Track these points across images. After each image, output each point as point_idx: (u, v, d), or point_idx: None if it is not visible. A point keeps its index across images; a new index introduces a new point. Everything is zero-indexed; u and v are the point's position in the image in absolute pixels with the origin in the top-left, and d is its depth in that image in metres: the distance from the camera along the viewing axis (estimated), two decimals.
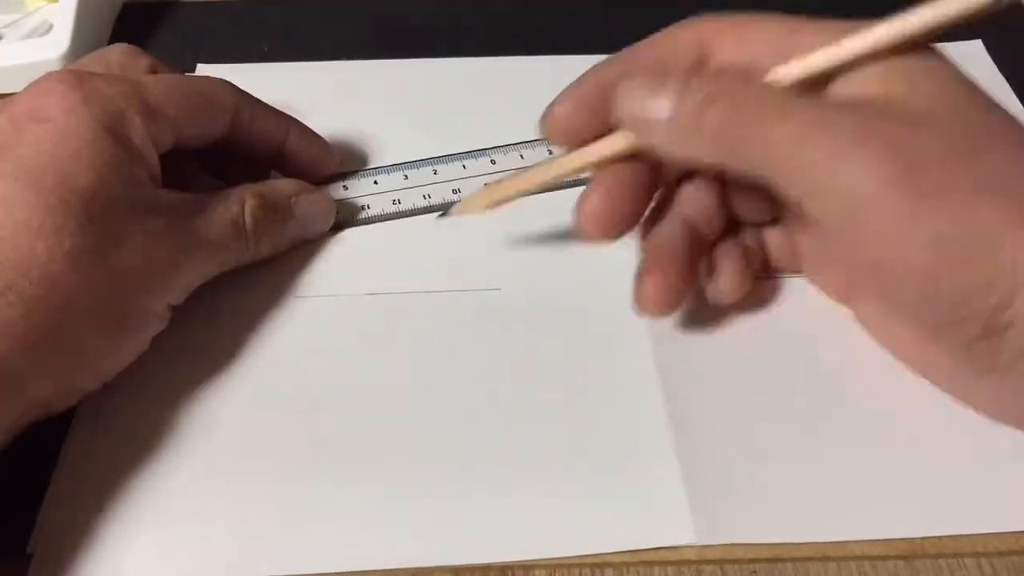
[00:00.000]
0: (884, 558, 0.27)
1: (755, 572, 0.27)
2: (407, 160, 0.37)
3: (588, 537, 0.27)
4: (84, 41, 0.41)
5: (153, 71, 0.33)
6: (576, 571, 0.27)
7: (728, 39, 0.29)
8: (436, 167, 0.37)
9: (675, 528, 0.27)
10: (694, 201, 0.31)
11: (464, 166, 0.37)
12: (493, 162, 0.37)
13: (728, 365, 0.31)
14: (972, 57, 0.42)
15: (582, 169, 0.30)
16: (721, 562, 0.27)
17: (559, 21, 0.45)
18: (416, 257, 0.34)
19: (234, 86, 0.33)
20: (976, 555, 0.27)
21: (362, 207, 0.36)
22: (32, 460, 0.28)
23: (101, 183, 0.27)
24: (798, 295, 0.33)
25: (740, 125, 0.26)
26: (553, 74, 0.41)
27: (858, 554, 0.27)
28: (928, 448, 0.29)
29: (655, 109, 0.27)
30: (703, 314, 0.32)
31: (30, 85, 0.29)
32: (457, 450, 0.29)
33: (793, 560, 0.27)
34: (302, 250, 0.34)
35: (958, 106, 0.26)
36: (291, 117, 0.35)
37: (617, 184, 0.29)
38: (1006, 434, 0.29)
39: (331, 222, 0.35)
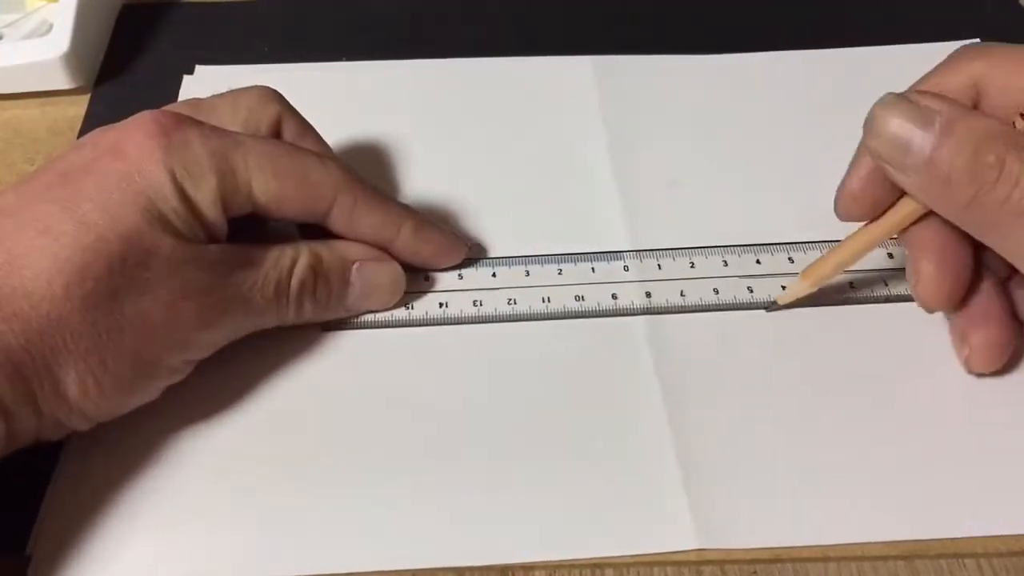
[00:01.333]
0: (884, 558, 0.27)
1: (755, 572, 0.27)
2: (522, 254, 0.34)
3: (588, 541, 0.27)
4: (84, 41, 0.41)
5: (279, 119, 0.31)
6: (576, 571, 0.27)
7: (1002, 74, 0.27)
8: (562, 266, 0.34)
9: (676, 532, 0.27)
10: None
11: (593, 269, 0.34)
12: (626, 269, 0.34)
13: (728, 369, 0.31)
14: None
15: (889, 234, 0.29)
16: (721, 563, 0.27)
17: (560, 21, 0.45)
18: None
19: (344, 172, 0.30)
20: (976, 556, 0.27)
21: (474, 303, 0.33)
22: (32, 462, 0.28)
23: (147, 230, 0.26)
24: (798, 304, 0.33)
25: (992, 214, 0.25)
26: (558, 74, 0.41)
27: (858, 555, 0.27)
28: (928, 451, 0.29)
29: (908, 152, 0.26)
30: (702, 318, 0.32)
31: (134, 116, 0.28)
32: (457, 453, 0.29)
33: (793, 561, 0.27)
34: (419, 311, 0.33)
35: None
36: (408, 212, 0.32)
37: (943, 246, 0.28)
38: (1007, 436, 0.29)
39: (397, 297, 0.32)
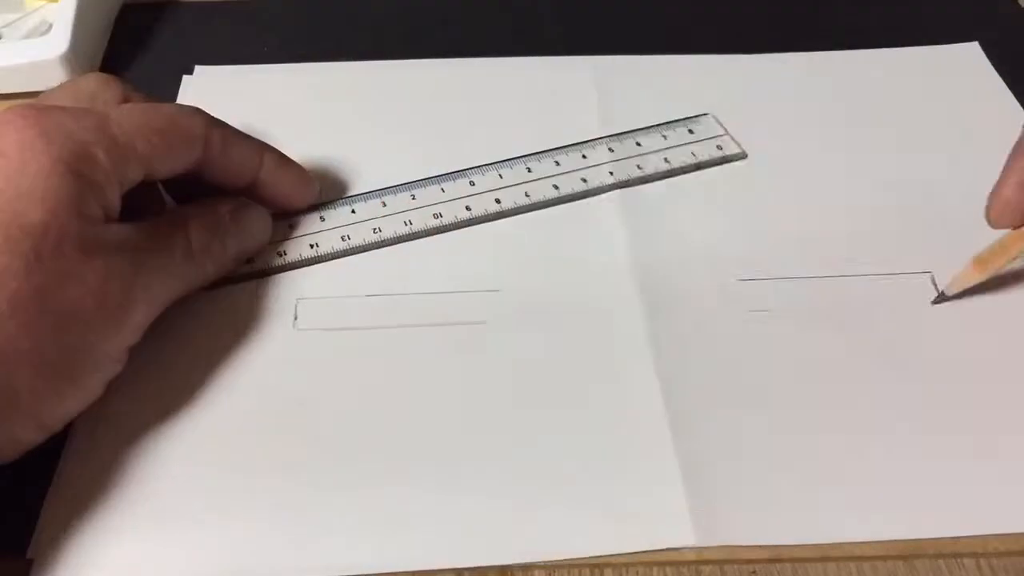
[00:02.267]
0: (883, 558, 0.27)
1: (754, 572, 0.27)
2: (386, 185, 0.36)
3: (588, 539, 0.27)
4: (84, 41, 0.41)
5: (126, 99, 0.31)
6: (575, 571, 0.27)
7: None
8: (414, 191, 0.36)
9: (675, 530, 0.27)
10: None
11: (443, 189, 0.36)
12: (472, 183, 0.36)
13: (727, 367, 0.31)
14: (969, 59, 0.42)
15: None
16: (720, 563, 0.27)
17: (559, 22, 0.45)
18: (415, 261, 0.34)
19: (206, 114, 0.31)
20: (975, 555, 0.27)
21: (342, 238, 0.35)
22: (32, 464, 0.28)
23: (54, 221, 0.26)
24: (797, 298, 0.33)
25: None
26: (556, 75, 0.41)
27: (857, 554, 0.27)
28: (926, 449, 0.29)
29: None
30: (702, 317, 0.32)
31: None
32: (456, 453, 0.29)
33: (792, 560, 0.27)
34: (293, 254, 0.34)
35: None
36: (267, 146, 0.33)
37: None
38: (1005, 436, 0.29)
39: (268, 236, 0.34)
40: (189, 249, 0.30)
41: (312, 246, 0.34)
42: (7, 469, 0.26)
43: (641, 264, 0.34)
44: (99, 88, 0.31)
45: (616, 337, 0.32)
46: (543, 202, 0.36)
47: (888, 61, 0.42)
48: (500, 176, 0.36)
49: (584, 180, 0.36)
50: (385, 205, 0.36)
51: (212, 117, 0.32)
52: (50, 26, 0.41)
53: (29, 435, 0.26)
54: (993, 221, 0.30)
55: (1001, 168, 0.30)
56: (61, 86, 0.32)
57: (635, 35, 0.44)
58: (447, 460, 0.29)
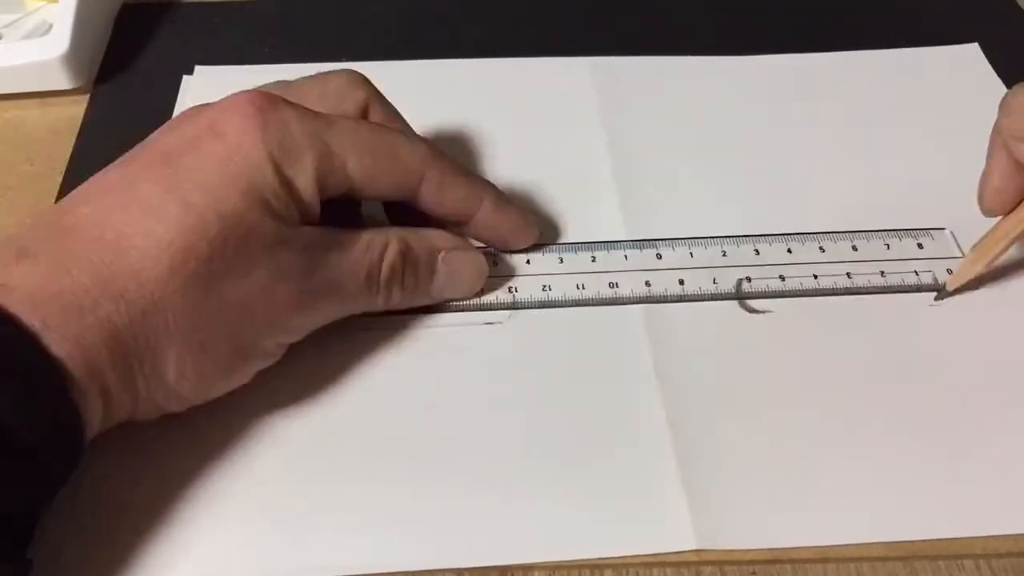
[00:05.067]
0: (883, 559, 0.27)
1: (754, 573, 0.27)
2: (596, 240, 0.35)
3: (588, 541, 0.27)
4: (84, 41, 0.41)
5: (366, 104, 0.31)
6: (575, 572, 0.27)
7: None
8: (627, 252, 0.34)
9: (676, 534, 0.27)
10: None
11: (659, 255, 0.34)
12: (659, 256, 0.34)
13: (727, 371, 0.31)
14: (968, 60, 0.42)
15: None
16: (720, 563, 0.27)
17: (559, 22, 0.45)
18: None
19: (431, 149, 0.31)
20: (975, 556, 0.27)
21: (543, 287, 0.33)
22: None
23: (247, 211, 0.26)
24: (798, 301, 0.33)
25: None
26: (556, 75, 0.41)
27: (857, 555, 0.27)
28: (926, 452, 0.29)
29: None
30: (702, 320, 0.32)
31: (227, 97, 0.28)
32: (456, 454, 0.29)
33: (792, 561, 0.27)
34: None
35: None
36: (488, 186, 0.33)
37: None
38: (1004, 437, 0.29)
39: (478, 287, 0.32)
40: (376, 274, 0.30)
41: (511, 290, 0.33)
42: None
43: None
44: (347, 89, 0.31)
45: (617, 340, 0.32)
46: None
47: (887, 62, 0.42)
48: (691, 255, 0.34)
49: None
50: (595, 260, 0.34)
51: (437, 152, 0.31)
52: (50, 26, 0.41)
53: (171, 406, 0.27)
54: (986, 210, 0.31)
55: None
56: (312, 78, 0.32)
57: (635, 35, 0.44)
58: (447, 462, 0.29)
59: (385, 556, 0.27)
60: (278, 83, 0.31)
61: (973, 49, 0.43)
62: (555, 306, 0.33)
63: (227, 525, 0.27)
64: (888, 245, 0.34)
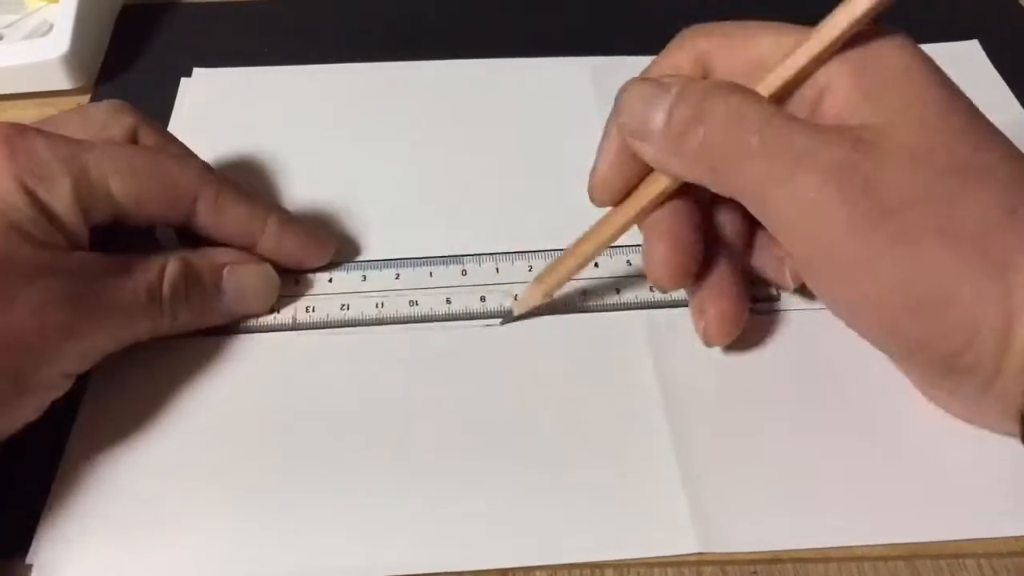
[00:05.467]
0: (885, 559, 0.27)
1: (755, 573, 0.27)
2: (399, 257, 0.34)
3: (589, 545, 0.27)
4: (84, 42, 0.41)
5: (134, 130, 0.31)
6: (576, 571, 0.27)
7: (724, 51, 0.29)
8: (432, 269, 0.34)
9: (676, 536, 0.27)
10: (729, 224, 0.31)
11: (464, 272, 0.34)
12: (464, 272, 0.34)
13: (728, 373, 0.31)
14: (969, 57, 0.42)
15: (630, 224, 0.30)
16: (721, 563, 0.27)
17: (558, 23, 0.45)
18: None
19: (205, 170, 0.31)
20: (976, 556, 0.27)
21: (341, 306, 0.33)
22: (32, 469, 0.28)
23: (3, 241, 0.26)
24: (797, 305, 0.33)
25: (719, 150, 0.26)
26: (555, 76, 0.41)
27: (859, 555, 0.27)
28: (927, 454, 0.29)
29: (650, 119, 0.27)
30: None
31: None
32: (456, 457, 0.29)
33: (793, 561, 0.27)
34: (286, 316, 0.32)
35: (940, 136, 0.25)
36: (273, 208, 0.32)
37: (674, 227, 0.29)
38: (1004, 440, 0.29)
39: (270, 302, 0.32)
40: (157, 293, 0.29)
41: (308, 309, 0.32)
42: (7, 474, 0.26)
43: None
44: (109, 117, 0.31)
45: (617, 344, 0.32)
46: None
47: None
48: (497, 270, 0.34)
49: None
50: (399, 278, 0.33)
51: (212, 175, 0.31)
52: (51, 27, 0.41)
53: None
54: (595, 200, 0.31)
55: None
56: (73, 110, 0.31)
57: (635, 35, 0.44)
58: (447, 466, 0.29)
59: (382, 559, 0.27)
60: (39, 121, 0.30)
61: (973, 46, 0.43)
62: (354, 325, 0.32)
63: (226, 529, 0.27)
64: None
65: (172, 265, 0.29)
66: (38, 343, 0.26)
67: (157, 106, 0.39)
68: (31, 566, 0.26)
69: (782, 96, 0.27)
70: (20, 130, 0.28)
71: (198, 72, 0.41)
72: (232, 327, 0.32)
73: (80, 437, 0.29)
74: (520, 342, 0.32)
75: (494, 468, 0.29)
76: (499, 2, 0.46)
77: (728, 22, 0.29)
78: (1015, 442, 0.28)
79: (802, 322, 0.32)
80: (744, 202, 0.27)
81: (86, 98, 0.41)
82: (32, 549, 0.27)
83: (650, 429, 0.29)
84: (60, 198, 0.27)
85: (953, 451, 0.29)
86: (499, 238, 0.35)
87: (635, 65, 0.42)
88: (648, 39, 0.44)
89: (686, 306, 0.32)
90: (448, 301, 0.33)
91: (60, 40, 0.40)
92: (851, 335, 0.31)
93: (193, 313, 0.30)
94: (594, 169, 0.30)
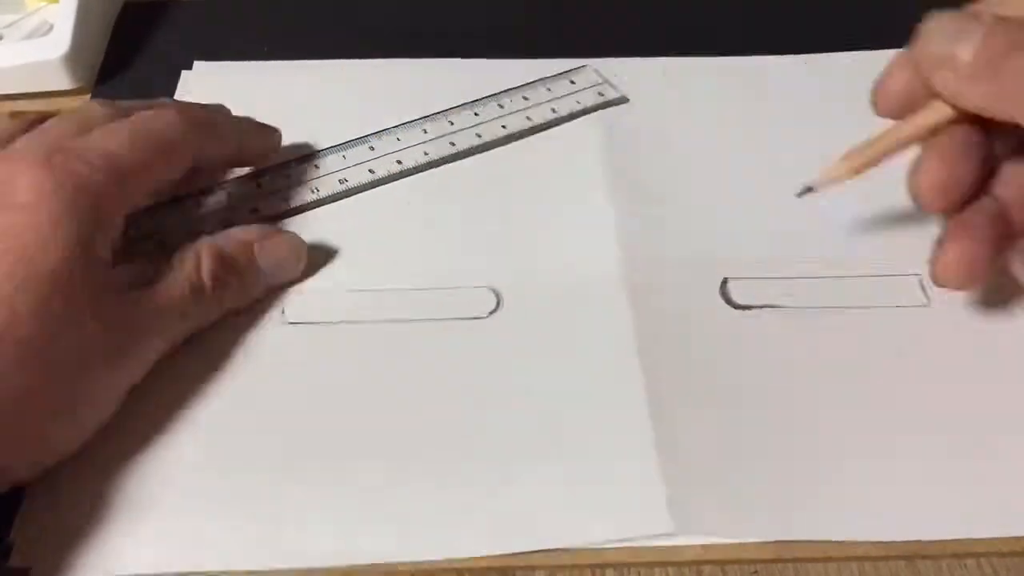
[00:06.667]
0: (885, 559, 0.27)
1: (756, 572, 0.27)
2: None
3: (565, 529, 0.27)
4: (84, 41, 0.41)
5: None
6: (576, 572, 0.27)
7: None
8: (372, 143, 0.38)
9: (652, 517, 0.27)
10: (1013, 181, 0.30)
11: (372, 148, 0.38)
12: (425, 131, 0.38)
13: (713, 363, 0.31)
14: None
15: (920, 132, 0.30)
16: (722, 563, 0.27)
17: (559, 24, 0.45)
18: (402, 254, 0.34)
19: (185, 118, 0.31)
20: (976, 555, 0.27)
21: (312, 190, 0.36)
22: None
23: (65, 267, 0.26)
24: (790, 297, 0.33)
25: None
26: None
27: (859, 555, 0.27)
28: (924, 450, 0.29)
29: (957, 49, 0.27)
30: (690, 307, 0.33)
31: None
32: (435, 446, 0.29)
33: (794, 561, 0.27)
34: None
35: None
36: (242, 119, 0.35)
37: (955, 151, 0.29)
38: (1005, 436, 0.29)
39: (302, 265, 0.33)
40: (200, 286, 0.30)
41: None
42: None
43: (629, 259, 0.34)
44: (104, 116, 0.31)
45: (600, 327, 0.32)
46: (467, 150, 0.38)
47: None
48: (424, 131, 0.39)
49: (479, 135, 0.38)
50: (345, 158, 0.37)
51: (190, 119, 0.32)
52: (51, 27, 0.41)
53: (21, 474, 0.27)
54: (879, 109, 0.31)
55: None
56: (67, 117, 0.31)
57: (633, 37, 0.44)
58: (426, 455, 0.29)
59: (370, 547, 0.27)
60: (33, 134, 0.30)
61: None
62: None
63: (222, 521, 0.27)
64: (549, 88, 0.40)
65: (206, 257, 0.30)
66: (106, 361, 0.27)
67: None
68: (28, 569, 0.26)
69: None
70: (50, 151, 0.28)
71: (199, 66, 0.42)
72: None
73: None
74: (500, 333, 0.32)
75: (473, 457, 0.29)
76: (500, 1, 0.46)
77: None
78: (1014, 439, 0.28)
79: (795, 318, 0.32)
80: None
81: (86, 98, 0.41)
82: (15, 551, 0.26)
83: (628, 412, 0.29)
84: (110, 203, 0.28)
85: (952, 449, 0.29)
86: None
87: (635, 65, 0.42)
88: (649, 39, 0.44)
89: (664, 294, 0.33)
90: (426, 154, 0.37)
91: (60, 40, 0.40)
92: (848, 329, 0.31)
93: (236, 296, 0.31)
94: (882, 80, 0.30)
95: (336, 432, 0.29)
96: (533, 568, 0.27)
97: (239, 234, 0.32)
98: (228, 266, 0.31)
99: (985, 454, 0.29)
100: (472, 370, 0.31)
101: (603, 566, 0.27)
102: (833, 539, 0.27)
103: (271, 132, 0.36)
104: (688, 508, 0.27)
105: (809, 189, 0.31)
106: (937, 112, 0.29)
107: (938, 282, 0.30)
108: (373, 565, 0.26)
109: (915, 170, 0.29)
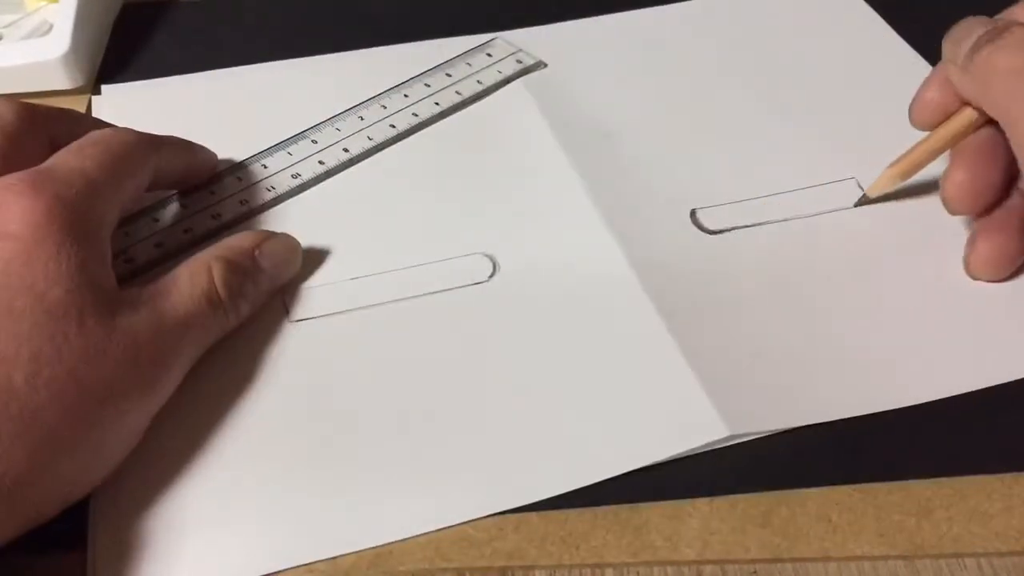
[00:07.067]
0: (885, 558, 0.27)
1: (755, 572, 0.27)
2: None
3: (621, 455, 0.28)
4: (84, 41, 0.41)
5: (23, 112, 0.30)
6: (576, 571, 0.27)
7: None
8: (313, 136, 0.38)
9: (705, 424, 0.28)
10: None
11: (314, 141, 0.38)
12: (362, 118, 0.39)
13: (706, 281, 0.33)
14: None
15: (955, 139, 0.32)
16: (721, 562, 0.27)
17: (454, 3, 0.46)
18: (389, 237, 0.35)
19: (139, 136, 0.32)
20: (976, 555, 0.27)
21: (294, 176, 0.37)
22: None
23: (72, 296, 0.25)
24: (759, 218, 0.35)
25: (996, 64, 0.29)
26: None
27: (859, 554, 0.27)
28: (921, 318, 0.31)
29: (962, 45, 0.30)
30: (671, 238, 0.34)
31: None
32: (467, 409, 0.29)
33: (793, 560, 0.27)
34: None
35: None
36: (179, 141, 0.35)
37: (978, 155, 0.31)
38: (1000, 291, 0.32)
39: (299, 263, 0.33)
40: (215, 297, 0.30)
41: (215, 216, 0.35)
42: None
43: (603, 204, 0.35)
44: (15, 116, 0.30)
45: (596, 268, 0.33)
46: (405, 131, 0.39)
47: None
48: (361, 118, 0.39)
49: (415, 115, 0.39)
50: (291, 154, 0.38)
51: (142, 135, 0.32)
52: (51, 27, 0.41)
53: (51, 511, 0.26)
54: (914, 120, 0.33)
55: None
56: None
57: (529, 7, 0.45)
58: (465, 417, 0.29)
59: (406, 518, 0.27)
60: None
61: None
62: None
63: (237, 519, 0.27)
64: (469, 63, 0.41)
65: (216, 266, 0.30)
66: (134, 385, 0.26)
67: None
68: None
69: None
70: (36, 179, 0.27)
71: (107, 89, 0.41)
72: None
73: None
74: (501, 297, 0.33)
75: (508, 398, 0.29)
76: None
77: None
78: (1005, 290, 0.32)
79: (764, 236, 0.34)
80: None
81: (86, 98, 0.41)
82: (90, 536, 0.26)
83: (649, 334, 0.31)
84: (102, 224, 0.28)
85: (953, 311, 0.31)
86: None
87: (552, 32, 0.43)
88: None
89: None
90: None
91: (60, 40, 0.40)
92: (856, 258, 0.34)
93: (250, 302, 0.31)
94: (919, 92, 0.33)
95: (362, 414, 0.29)
96: (533, 568, 0.27)
97: (237, 241, 0.32)
98: (239, 273, 0.31)
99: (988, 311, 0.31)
100: (486, 331, 0.32)
101: (603, 566, 0.27)
102: (868, 412, 0.29)
103: (202, 148, 0.36)
104: (735, 409, 0.28)
105: (865, 198, 0.35)
106: (965, 117, 0.32)
107: (973, 275, 0.32)
108: (424, 534, 0.27)
109: (944, 177, 0.32)
